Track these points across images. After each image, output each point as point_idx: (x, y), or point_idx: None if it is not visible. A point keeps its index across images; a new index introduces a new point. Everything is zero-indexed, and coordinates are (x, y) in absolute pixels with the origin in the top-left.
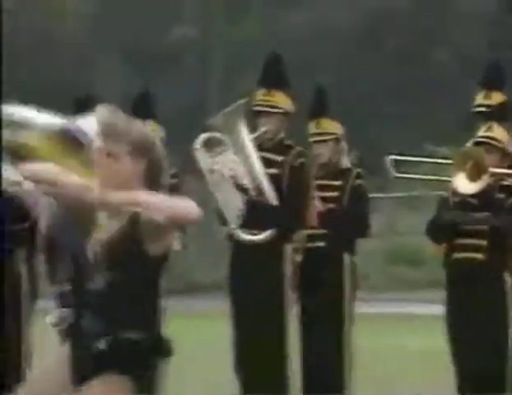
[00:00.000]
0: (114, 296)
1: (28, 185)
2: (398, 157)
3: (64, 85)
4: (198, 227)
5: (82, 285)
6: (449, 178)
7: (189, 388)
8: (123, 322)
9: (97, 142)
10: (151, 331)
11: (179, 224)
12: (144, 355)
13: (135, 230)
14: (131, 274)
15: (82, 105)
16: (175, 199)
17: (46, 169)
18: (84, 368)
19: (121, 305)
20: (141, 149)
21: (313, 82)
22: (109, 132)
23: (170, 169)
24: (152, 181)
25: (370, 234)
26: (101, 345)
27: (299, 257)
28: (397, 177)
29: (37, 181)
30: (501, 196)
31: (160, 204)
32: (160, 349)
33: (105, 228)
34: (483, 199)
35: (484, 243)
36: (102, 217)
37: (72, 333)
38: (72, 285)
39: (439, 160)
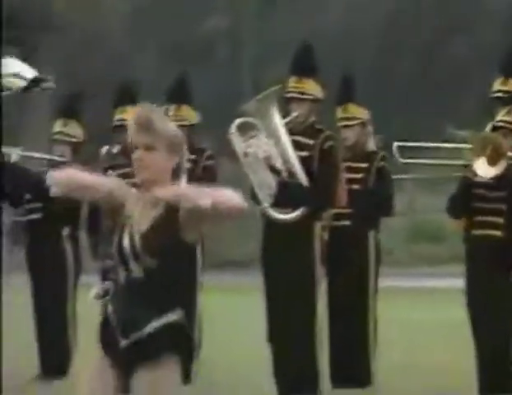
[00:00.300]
0: (155, 282)
1: None
2: (402, 143)
3: (105, 79)
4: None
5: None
6: (450, 162)
7: (223, 358)
8: (168, 306)
9: (135, 138)
10: (191, 313)
11: (226, 217)
12: (189, 337)
13: (173, 219)
14: (170, 260)
15: (122, 99)
16: (225, 193)
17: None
18: (134, 355)
19: (163, 291)
20: (175, 145)
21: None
22: (148, 127)
23: (206, 152)
24: (178, 176)
25: (393, 213)
26: (150, 329)
27: (326, 235)
28: (403, 162)
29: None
30: None
31: (213, 197)
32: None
33: (140, 219)
34: (502, 181)
35: (501, 220)
36: (132, 208)
37: (116, 323)
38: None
39: (443, 145)
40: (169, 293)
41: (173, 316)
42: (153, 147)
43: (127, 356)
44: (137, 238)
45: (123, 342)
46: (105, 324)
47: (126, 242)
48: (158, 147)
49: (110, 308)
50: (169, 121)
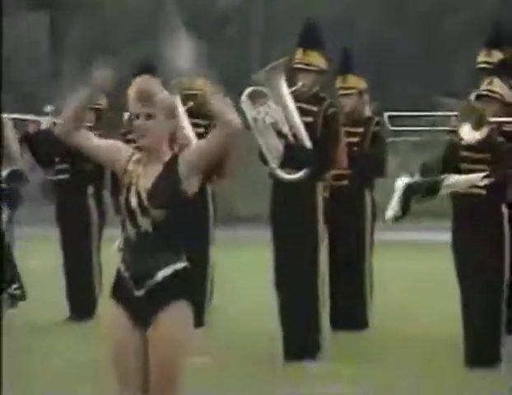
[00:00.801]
0: (163, 234)
1: None
2: (392, 113)
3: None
4: (243, 167)
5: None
6: (433, 128)
7: (234, 306)
8: (176, 255)
9: (136, 107)
10: (201, 260)
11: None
12: (198, 282)
13: (173, 173)
14: (175, 213)
15: (142, 71)
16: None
17: None
18: (149, 303)
19: (171, 242)
20: (171, 112)
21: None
22: (147, 97)
23: None
24: (174, 139)
25: (386, 174)
26: (161, 276)
27: (327, 193)
28: (391, 129)
29: None
30: (501, 139)
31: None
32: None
33: (144, 177)
34: (485, 144)
35: (486, 180)
36: (135, 168)
37: (129, 277)
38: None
39: (425, 113)
40: (177, 244)
41: (181, 264)
42: (153, 115)
43: (142, 306)
44: (143, 194)
45: (138, 292)
46: (119, 281)
47: (133, 200)
48: (157, 115)
49: (122, 265)
50: (164, 90)
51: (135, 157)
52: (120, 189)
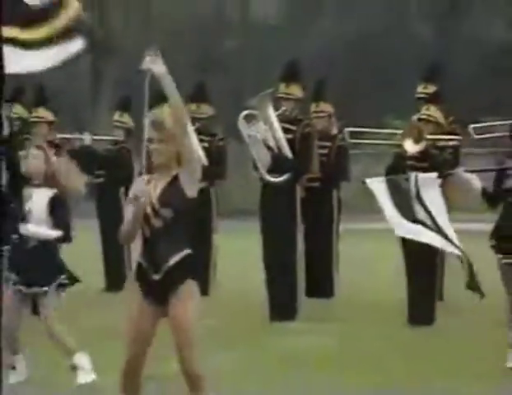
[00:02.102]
0: (171, 229)
1: None
2: (352, 129)
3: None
4: (239, 172)
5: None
6: (384, 142)
7: (232, 278)
8: (183, 244)
9: (151, 133)
10: (208, 249)
11: None
12: (203, 262)
13: (177, 183)
14: (180, 212)
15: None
16: None
17: None
18: (165, 284)
19: (178, 234)
20: (174, 136)
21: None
22: (160, 126)
23: (218, 136)
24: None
25: (349, 178)
26: (174, 261)
27: (303, 193)
28: (351, 142)
29: None
30: (435, 151)
31: None
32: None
33: (154, 189)
34: (424, 155)
35: None
36: (147, 188)
37: (147, 265)
38: None
39: (382, 131)
40: (182, 236)
41: (187, 251)
42: (163, 141)
43: (159, 287)
44: (155, 201)
45: (156, 276)
46: (139, 269)
47: (148, 208)
48: (168, 141)
49: (141, 258)
50: (172, 119)
51: (146, 179)
52: None
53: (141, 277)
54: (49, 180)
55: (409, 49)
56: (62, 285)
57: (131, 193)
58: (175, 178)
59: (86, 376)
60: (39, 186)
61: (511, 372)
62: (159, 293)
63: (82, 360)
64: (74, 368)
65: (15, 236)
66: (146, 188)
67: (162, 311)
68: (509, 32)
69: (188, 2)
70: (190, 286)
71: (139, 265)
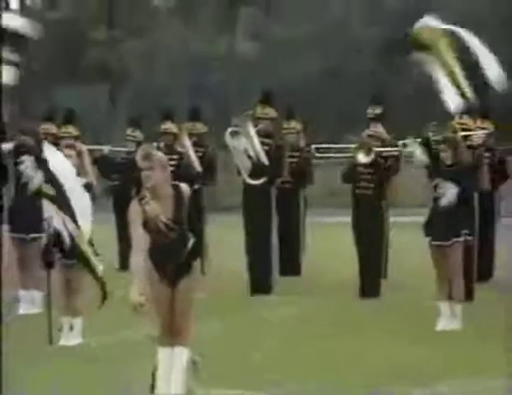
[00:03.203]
0: (179, 238)
1: None
2: (317, 145)
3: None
4: (226, 176)
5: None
6: (342, 155)
7: (220, 260)
8: (188, 240)
9: (141, 163)
10: (201, 240)
11: None
12: (199, 248)
13: (181, 197)
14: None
15: (165, 116)
16: None
17: None
18: (178, 272)
19: (185, 232)
20: (164, 164)
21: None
22: (148, 157)
23: (211, 146)
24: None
25: (313, 181)
26: (183, 256)
27: (277, 193)
28: (316, 156)
29: None
30: (382, 161)
31: None
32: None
33: (157, 208)
34: (372, 163)
35: (372, 186)
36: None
37: (163, 261)
38: None
39: (342, 146)
40: (188, 236)
41: (192, 240)
42: (153, 168)
43: (174, 274)
44: (163, 218)
45: (171, 266)
46: (155, 261)
47: (161, 225)
48: (155, 168)
49: (156, 254)
50: (159, 153)
51: (139, 198)
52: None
53: (158, 267)
54: (80, 170)
55: (362, 81)
56: None
57: (131, 215)
58: (179, 195)
59: (74, 339)
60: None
61: (438, 334)
62: (173, 277)
63: (78, 323)
64: (61, 329)
65: None
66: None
67: (173, 286)
68: None
69: (187, 42)
70: (194, 271)
71: (154, 258)
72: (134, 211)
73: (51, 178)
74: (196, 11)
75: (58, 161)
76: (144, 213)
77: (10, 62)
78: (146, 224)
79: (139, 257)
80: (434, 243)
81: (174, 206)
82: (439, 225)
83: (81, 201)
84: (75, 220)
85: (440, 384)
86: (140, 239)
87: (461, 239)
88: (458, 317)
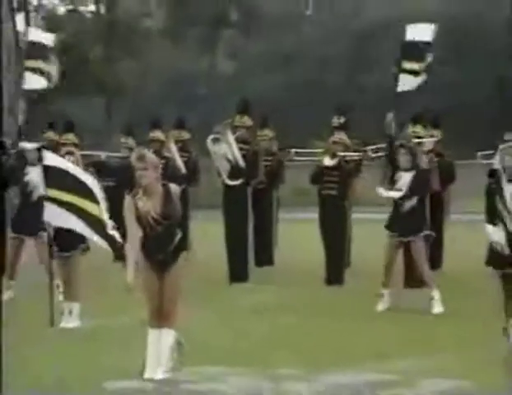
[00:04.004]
0: (168, 229)
1: None
2: (293, 150)
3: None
4: (208, 177)
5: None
6: (310, 158)
7: (202, 250)
8: (176, 234)
9: (137, 164)
10: (186, 233)
11: None
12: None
13: (169, 196)
14: (172, 218)
15: (153, 125)
16: None
17: None
18: (166, 262)
19: (173, 226)
20: (155, 165)
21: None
22: (142, 158)
23: (194, 153)
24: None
25: (284, 181)
26: (171, 248)
27: (251, 192)
28: (291, 160)
29: None
30: (344, 164)
31: None
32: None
33: (149, 204)
34: (337, 167)
35: (336, 186)
36: (142, 198)
37: (153, 254)
38: None
39: (309, 150)
40: (176, 226)
41: (179, 236)
42: (146, 169)
43: (163, 263)
44: (153, 213)
45: (160, 256)
46: (146, 251)
47: (151, 219)
48: (148, 168)
49: (146, 245)
50: (151, 154)
51: (137, 195)
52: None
53: (148, 257)
54: None
55: (328, 93)
56: (83, 250)
57: (126, 210)
58: (168, 193)
59: (73, 322)
60: None
61: (379, 314)
62: (162, 266)
63: (77, 308)
64: (63, 313)
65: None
66: (141, 205)
67: (162, 275)
68: None
69: (174, 61)
70: (182, 260)
71: (144, 249)
72: (128, 206)
73: (58, 182)
74: (182, 33)
75: (61, 163)
76: (137, 208)
77: (42, 72)
78: (139, 218)
79: (132, 248)
80: (398, 238)
81: (164, 202)
82: (402, 223)
83: (94, 185)
84: (97, 202)
85: (397, 359)
86: (133, 231)
87: (422, 234)
88: (437, 299)
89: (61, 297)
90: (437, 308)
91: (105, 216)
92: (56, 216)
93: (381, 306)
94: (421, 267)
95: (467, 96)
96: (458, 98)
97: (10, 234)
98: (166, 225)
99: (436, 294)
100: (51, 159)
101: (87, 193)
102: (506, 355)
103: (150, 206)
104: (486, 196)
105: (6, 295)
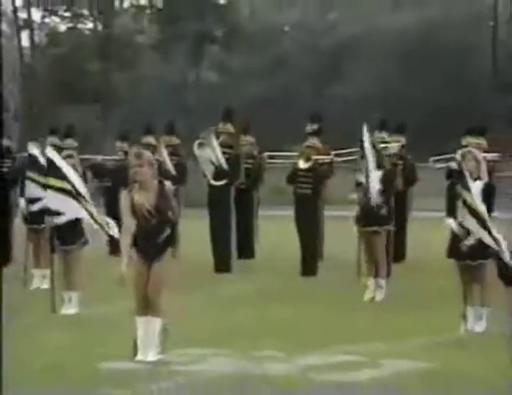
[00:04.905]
0: (160, 223)
1: None
2: (269, 153)
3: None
4: (194, 178)
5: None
6: (287, 161)
7: (190, 245)
8: (166, 228)
9: (134, 161)
10: (176, 228)
11: None
12: (174, 236)
13: (164, 192)
14: (164, 212)
15: (146, 131)
16: None
17: None
18: (155, 252)
19: (163, 224)
20: (151, 162)
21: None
22: (140, 156)
23: (182, 156)
24: (159, 176)
25: (264, 182)
26: (161, 239)
27: (233, 192)
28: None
29: None
30: (317, 166)
31: None
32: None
33: (144, 198)
34: (310, 169)
35: (310, 186)
36: (139, 197)
37: (144, 246)
38: None
39: (286, 154)
40: (166, 224)
41: (168, 231)
42: (142, 166)
43: (152, 253)
44: (148, 205)
45: (150, 248)
46: (137, 244)
47: (145, 211)
48: (144, 165)
49: (138, 237)
50: (148, 153)
51: (133, 190)
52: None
53: (139, 249)
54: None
55: (302, 102)
56: (82, 244)
57: (121, 204)
58: (162, 189)
59: (72, 309)
60: None
61: (366, 303)
62: (150, 257)
63: (75, 296)
64: (63, 300)
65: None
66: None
67: (149, 265)
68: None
69: (163, 73)
70: (168, 253)
71: (136, 240)
72: (124, 199)
73: (63, 175)
74: (171, 48)
75: (62, 163)
76: (132, 201)
77: None
78: (134, 210)
79: (127, 238)
80: (367, 229)
81: (157, 197)
82: (369, 217)
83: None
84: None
85: (366, 344)
86: (128, 224)
87: (385, 228)
88: (383, 289)
89: (46, 285)
90: (379, 296)
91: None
92: (54, 199)
93: (367, 295)
94: (378, 257)
95: (419, 107)
96: (411, 108)
97: (28, 226)
98: (159, 218)
99: (383, 283)
100: (51, 153)
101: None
102: (462, 339)
103: (144, 199)
104: (448, 193)
105: (35, 285)
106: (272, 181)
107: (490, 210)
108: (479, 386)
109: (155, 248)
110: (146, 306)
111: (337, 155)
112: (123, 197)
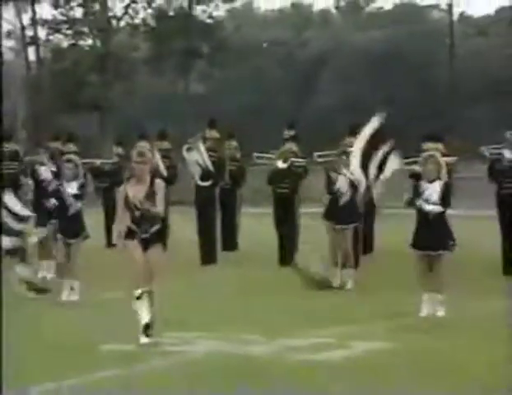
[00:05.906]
0: (149, 217)
1: None
2: (258, 154)
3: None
4: (183, 179)
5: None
6: (269, 162)
7: (175, 240)
8: (158, 222)
9: (137, 158)
10: (166, 223)
11: None
12: (165, 228)
13: (153, 188)
14: (153, 205)
15: (141, 136)
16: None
17: None
18: (149, 241)
19: (154, 218)
20: (149, 161)
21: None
22: (141, 154)
23: (172, 158)
24: (154, 173)
25: (245, 182)
26: (153, 230)
27: (219, 191)
28: (255, 163)
29: None
30: (294, 168)
31: None
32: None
33: (137, 190)
34: (288, 169)
35: (287, 186)
36: (132, 187)
37: (140, 233)
38: None
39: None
40: (157, 218)
41: (159, 225)
42: (142, 162)
43: (146, 241)
44: (140, 195)
45: (144, 236)
46: (130, 231)
47: (137, 201)
48: (144, 162)
49: (132, 225)
50: (148, 152)
51: (129, 185)
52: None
53: (133, 236)
54: (77, 175)
55: (281, 111)
56: (84, 238)
57: (118, 196)
58: (152, 185)
59: (73, 296)
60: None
61: (337, 290)
62: (145, 244)
63: (77, 285)
64: (65, 289)
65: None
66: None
67: (145, 250)
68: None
69: (155, 85)
70: (160, 245)
71: (130, 230)
72: (120, 193)
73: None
74: (162, 63)
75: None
76: (127, 195)
77: None
78: (127, 202)
79: (120, 226)
80: (337, 226)
81: (149, 191)
82: (339, 214)
83: None
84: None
85: (330, 328)
86: (122, 213)
87: (353, 224)
88: (351, 278)
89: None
90: (349, 285)
91: None
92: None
93: (335, 283)
94: (347, 250)
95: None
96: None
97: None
98: (149, 209)
99: (352, 272)
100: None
101: None
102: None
103: (137, 191)
104: (414, 191)
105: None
106: (254, 181)
107: (447, 204)
108: (440, 363)
109: (148, 236)
110: (144, 279)
111: (319, 156)
112: (120, 191)
